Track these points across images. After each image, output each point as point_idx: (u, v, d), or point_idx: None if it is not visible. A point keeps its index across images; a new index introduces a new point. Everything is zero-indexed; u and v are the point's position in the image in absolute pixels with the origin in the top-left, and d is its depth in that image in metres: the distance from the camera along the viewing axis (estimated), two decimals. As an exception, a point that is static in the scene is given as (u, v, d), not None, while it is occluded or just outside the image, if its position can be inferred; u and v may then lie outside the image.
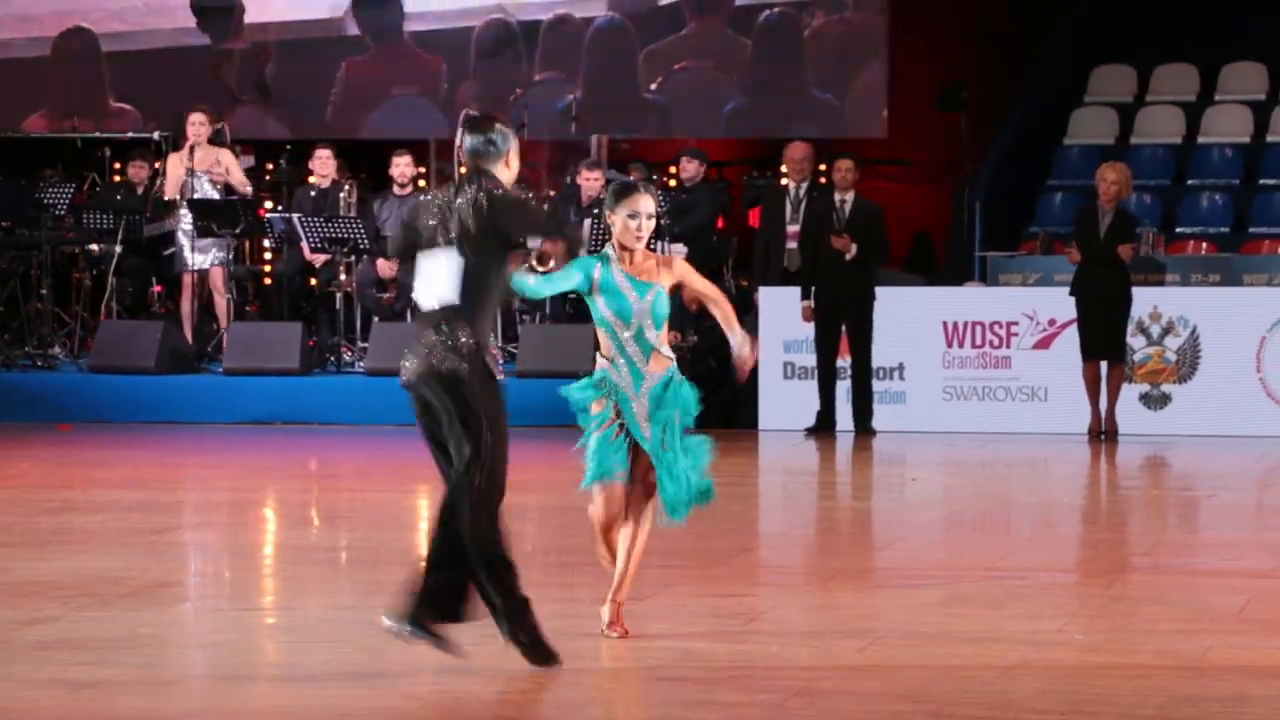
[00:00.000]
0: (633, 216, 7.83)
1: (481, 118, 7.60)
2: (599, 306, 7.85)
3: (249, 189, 17.85)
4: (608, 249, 7.92)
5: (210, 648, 8.01)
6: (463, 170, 7.87)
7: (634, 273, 7.85)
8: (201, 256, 17.44)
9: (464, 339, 7.24)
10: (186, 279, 17.57)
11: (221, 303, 17.60)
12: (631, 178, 19.11)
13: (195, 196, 17.37)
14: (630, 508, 7.84)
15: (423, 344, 7.28)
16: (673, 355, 7.97)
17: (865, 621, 8.38)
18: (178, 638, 8.15)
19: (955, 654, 7.68)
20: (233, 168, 17.70)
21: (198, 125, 17.50)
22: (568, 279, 7.83)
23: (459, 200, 7.34)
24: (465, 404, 7.22)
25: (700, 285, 8.03)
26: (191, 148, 17.52)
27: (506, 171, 7.46)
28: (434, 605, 7.23)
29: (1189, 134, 20.27)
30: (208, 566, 10.37)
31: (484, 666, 7.46)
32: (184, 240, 17.41)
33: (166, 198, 17.67)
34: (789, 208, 16.85)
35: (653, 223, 7.89)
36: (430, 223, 7.35)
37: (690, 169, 18.03)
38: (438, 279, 7.31)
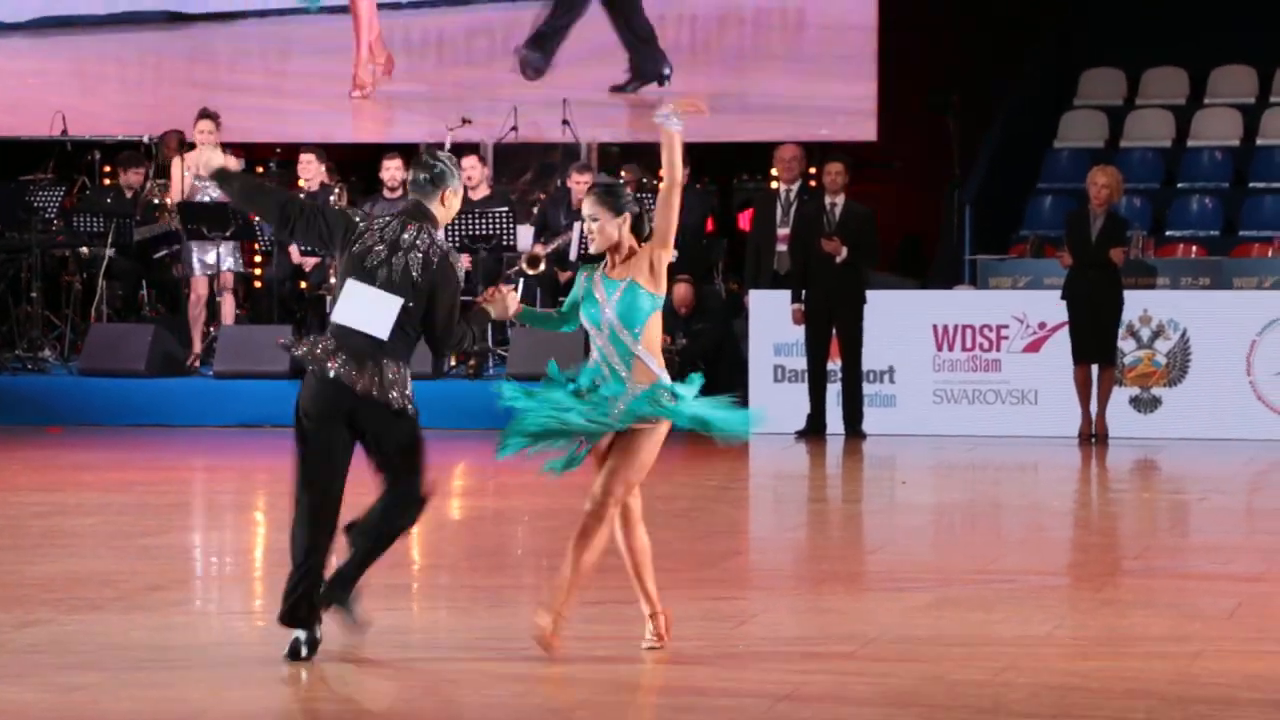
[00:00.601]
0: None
1: (426, 150, 7.73)
2: (581, 317, 7.72)
3: None
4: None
5: (201, 651, 8.00)
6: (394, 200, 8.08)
7: (613, 274, 7.62)
8: (212, 260, 17.40)
9: (405, 372, 7.46)
10: (195, 283, 17.51)
11: (228, 304, 17.56)
12: (623, 179, 19.21)
13: (202, 200, 17.36)
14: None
15: (360, 362, 7.39)
16: (661, 370, 7.53)
17: (855, 625, 8.38)
18: (169, 641, 8.14)
19: (945, 657, 7.68)
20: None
21: (206, 134, 17.48)
22: (571, 300, 7.70)
23: (405, 235, 7.48)
24: (417, 441, 7.49)
25: (660, 207, 7.57)
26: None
27: (442, 209, 7.61)
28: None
29: (1178, 137, 20.29)
30: (199, 569, 10.36)
31: (475, 670, 7.46)
32: (192, 245, 17.37)
33: (172, 201, 17.64)
34: (779, 211, 16.87)
35: (595, 224, 7.59)
36: (378, 250, 7.46)
37: None
38: (369, 312, 7.43)
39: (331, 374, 7.40)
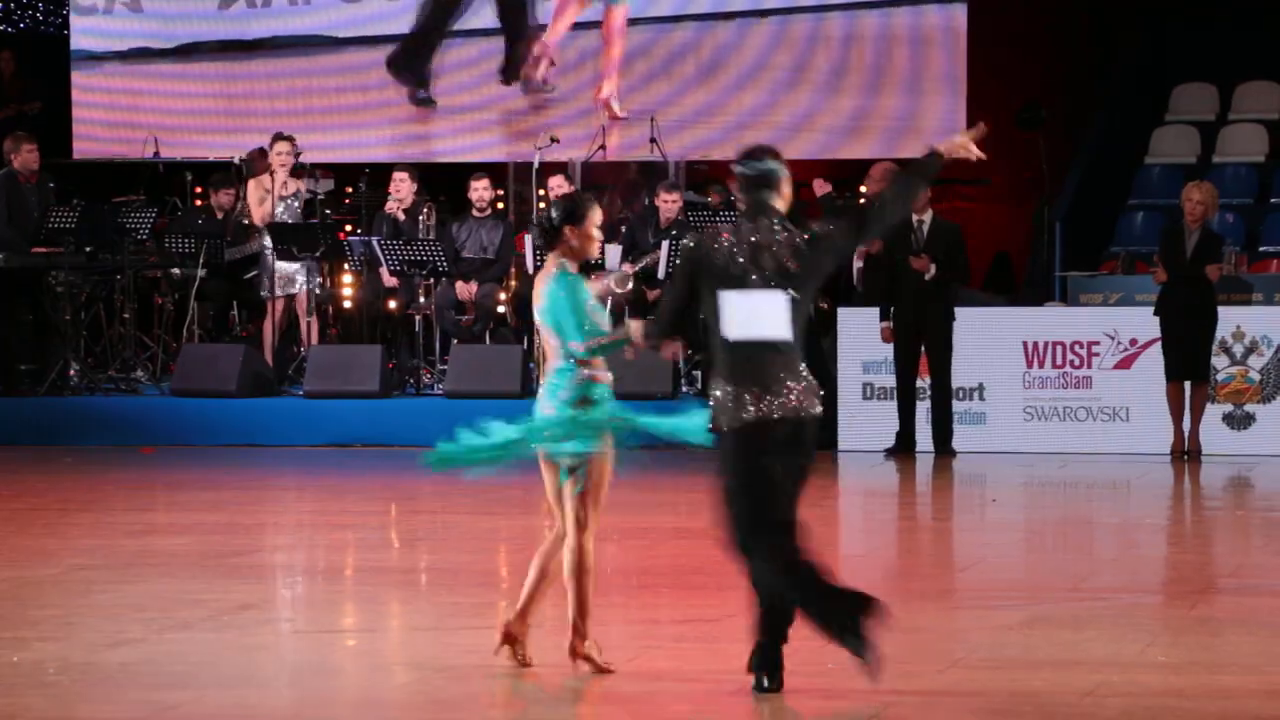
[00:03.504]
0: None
1: (757, 148, 7.56)
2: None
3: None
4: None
5: (291, 670, 8.04)
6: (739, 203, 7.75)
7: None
8: (289, 280, 17.50)
9: (808, 376, 7.26)
10: (271, 303, 17.62)
11: (306, 326, 17.64)
12: (710, 199, 19.21)
13: (285, 220, 17.45)
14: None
15: (772, 383, 7.18)
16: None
17: (945, 643, 8.34)
18: (259, 660, 8.18)
19: (1037, 676, 7.63)
20: (300, 198, 17.73)
21: (284, 155, 17.58)
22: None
23: (757, 238, 7.26)
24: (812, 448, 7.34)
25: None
26: (272, 174, 17.61)
27: (782, 202, 7.42)
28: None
29: (1272, 152, 20.12)
30: (288, 588, 10.41)
31: (565, 688, 7.46)
32: (271, 263, 17.47)
33: (257, 223, 17.73)
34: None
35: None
36: (738, 261, 7.23)
37: None
38: (761, 315, 7.22)
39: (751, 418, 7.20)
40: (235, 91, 20.53)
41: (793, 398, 7.19)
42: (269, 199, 17.53)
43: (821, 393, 7.31)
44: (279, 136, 17.72)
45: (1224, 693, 7.38)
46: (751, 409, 7.19)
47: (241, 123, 20.14)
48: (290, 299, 17.67)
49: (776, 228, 7.28)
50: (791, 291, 7.21)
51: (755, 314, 7.22)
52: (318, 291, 17.74)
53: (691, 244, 7.40)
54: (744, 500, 7.22)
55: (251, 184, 17.94)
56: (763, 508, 7.22)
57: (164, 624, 8.72)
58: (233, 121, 20.28)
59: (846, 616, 7.20)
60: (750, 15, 19.76)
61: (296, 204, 17.61)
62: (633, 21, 19.61)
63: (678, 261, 7.54)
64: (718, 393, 7.27)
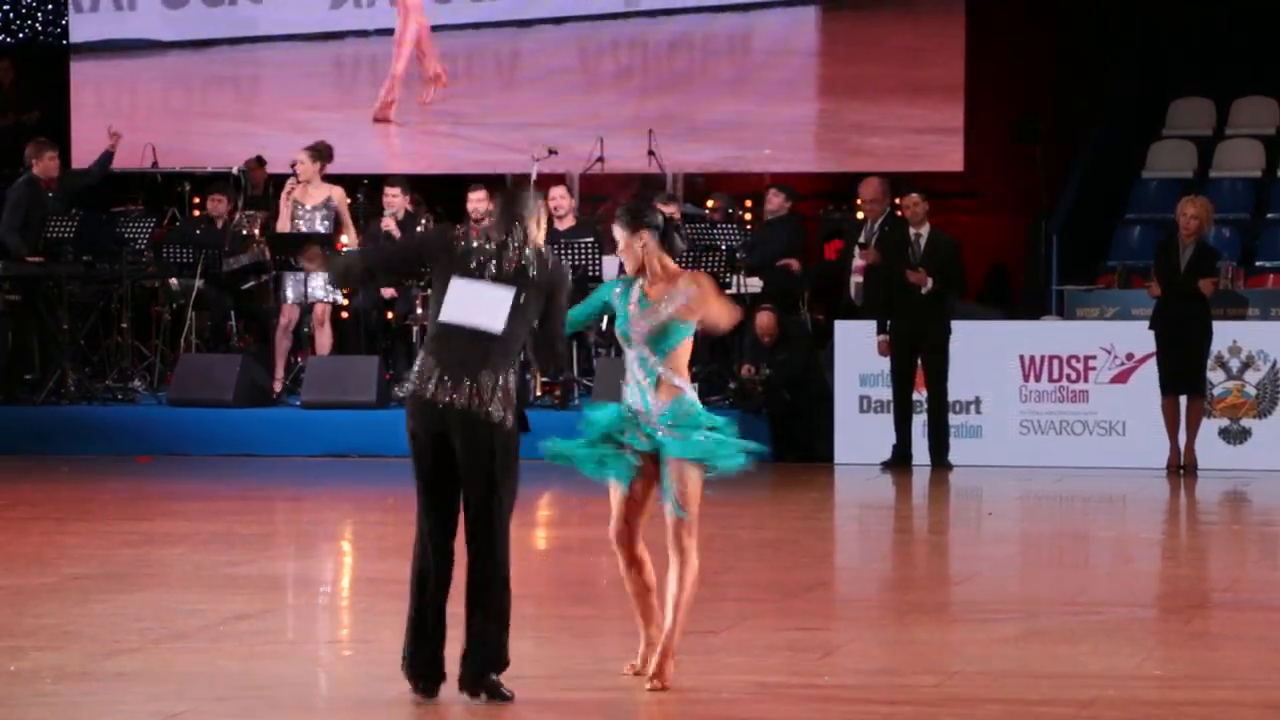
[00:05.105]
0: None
1: (520, 181, 7.61)
2: (614, 327, 7.77)
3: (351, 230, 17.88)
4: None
5: (287, 680, 8.03)
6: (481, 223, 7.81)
7: (651, 294, 7.67)
8: (303, 290, 17.41)
9: (508, 383, 7.20)
10: (285, 310, 17.53)
11: (325, 336, 17.56)
12: (709, 208, 19.23)
13: (297, 231, 17.42)
14: (669, 545, 7.67)
15: (462, 373, 7.18)
16: (685, 385, 7.64)
17: (941, 656, 8.34)
18: (255, 670, 8.18)
19: (1033, 690, 7.64)
20: (342, 206, 17.64)
21: (310, 163, 17.56)
22: (594, 304, 7.77)
23: (513, 241, 7.31)
24: (506, 453, 7.22)
25: (710, 310, 7.66)
26: (301, 184, 17.56)
27: (538, 232, 7.45)
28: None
29: (1269, 167, 20.15)
30: (284, 599, 10.41)
31: (560, 700, 7.46)
32: (286, 274, 17.40)
33: (261, 233, 17.72)
34: (867, 241, 16.87)
35: (619, 246, 7.70)
36: (479, 256, 7.27)
37: (775, 202, 18.02)
38: (482, 304, 7.23)
39: (428, 395, 7.23)
40: (227, 97, 20.58)
41: (476, 396, 7.16)
42: (296, 208, 17.49)
43: (517, 408, 7.21)
44: (323, 153, 17.60)
45: (1219, 707, 7.38)
46: (430, 387, 7.19)
47: (236, 128, 20.18)
48: (304, 309, 17.57)
49: (528, 241, 7.33)
50: (521, 293, 7.22)
51: (474, 302, 7.23)
52: (331, 302, 17.69)
53: (447, 229, 7.50)
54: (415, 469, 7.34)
55: (285, 196, 17.85)
56: (426, 491, 7.34)
57: (161, 634, 8.72)
58: (227, 138, 20.30)
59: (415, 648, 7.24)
60: (743, 9, 19.79)
61: (320, 213, 17.50)
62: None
63: (429, 230, 7.68)
64: (415, 365, 7.33)
